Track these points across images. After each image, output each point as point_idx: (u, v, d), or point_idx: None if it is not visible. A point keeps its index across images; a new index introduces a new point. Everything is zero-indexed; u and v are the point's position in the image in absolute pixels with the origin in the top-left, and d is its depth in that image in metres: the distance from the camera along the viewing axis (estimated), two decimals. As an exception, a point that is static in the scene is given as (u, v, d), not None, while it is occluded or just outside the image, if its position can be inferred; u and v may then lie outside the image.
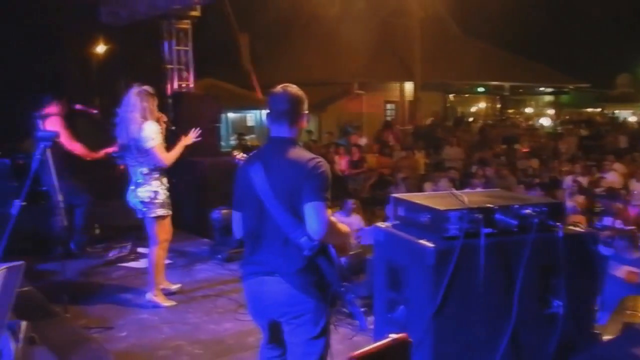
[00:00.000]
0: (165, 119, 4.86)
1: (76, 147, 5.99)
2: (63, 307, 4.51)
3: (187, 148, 4.94)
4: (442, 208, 2.60)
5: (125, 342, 4.22)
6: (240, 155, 4.10)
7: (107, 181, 7.35)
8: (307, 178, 2.49)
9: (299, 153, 2.59)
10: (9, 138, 7.15)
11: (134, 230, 6.79)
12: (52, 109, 5.91)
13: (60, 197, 4.71)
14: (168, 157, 4.67)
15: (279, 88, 2.69)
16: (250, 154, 2.80)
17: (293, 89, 2.69)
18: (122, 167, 4.97)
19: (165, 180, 4.76)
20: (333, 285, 2.57)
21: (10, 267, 1.48)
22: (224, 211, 6.32)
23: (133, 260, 6.26)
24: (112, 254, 6.33)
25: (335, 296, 2.63)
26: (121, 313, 4.78)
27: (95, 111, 6.43)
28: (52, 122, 5.80)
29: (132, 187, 4.69)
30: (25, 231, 5.89)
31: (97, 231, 7.07)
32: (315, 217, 2.46)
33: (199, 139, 4.99)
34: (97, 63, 15.06)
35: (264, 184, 2.55)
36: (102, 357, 3.54)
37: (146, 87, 4.71)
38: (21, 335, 2.55)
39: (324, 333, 2.63)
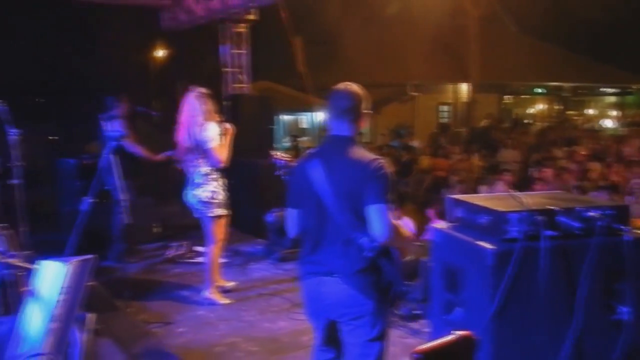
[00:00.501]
0: (220, 118, 4.96)
1: (137, 150, 6.19)
2: (124, 302, 4.68)
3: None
4: (501, 209, 2.54)
5: (183, 338, 4.34)
6: (279, 156, 4.14)
7: (164, 181, 7.58)
8: (369, 179, 2.47)
9: (361, 153, 2.57)
10: (75, 140, 7.48)
11: (190, 229, 6.97)
12: (116, 111, 6.13)
13: (123, 196, 4.87)
14: (223, 157, 4.76)
15: (341, 86, 2.67)
16: (309, 151, 2.79)
17: (355, 87, 2.67)
18: (180, 169, 5.08)
19: (223, 181, 4.87)
20: (395, 286, 2.54)
21: (82, 260, 1.55)
22: (279, 212, 6.39)
23: (189, 258, 6.43)
24: (170, 253, 6.51)
25: (396, 297, 2.60)
26: (179, 309, 4.92)
27: (155, 113, 6.62)
28: (116, 124, 6.02)
29: (190, 187, 4.82)
30: (87, 229, 6.13)
31: (156, 230, 7.28)
32: (380, 220, 2.44)
33: (229, 127, 4.96)
34: (155, 67, 15.51)
35: (324, 183, 2.53)
36: (162, 351, 3.66)
37: (202, 89, 4.84)
38: (87, 327, 2.65)
39: (383, 335, 2.60)
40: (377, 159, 2.54)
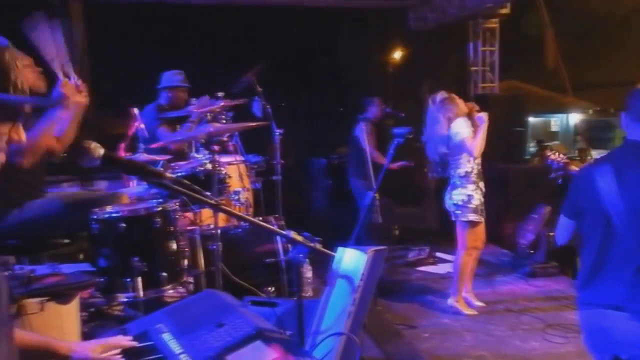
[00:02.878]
0: (476, 107, 4.99)
1: (375, 155, 6.45)
2: (373, 300, 4.99)
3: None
4: None
5: (429, 343, 4.47)
6: (555, 156, 3.93)
7: (406, 185, 7.86)
8: None
9: None
10: (326, 140, 8.20)
11: (429, 234, 7.13)
12: (369, 113, 6.54)
13: (376, 195, 5.17)
14: (475, 145, 4.74)
15: None
16: (597, 157, 2.64)
17: None
18: (431, 180, 5.21)
19: (482, 184, 4.91)
20: None
21: (378, 250, 1.74)
22: (534, 229, 6.23)
23: (431, 264, 6.59)
24: (411, 256, 6.74)
25: None
26: (422, 314, 5.10)
27: (402, 115, 6.90)
28: (361, 127, 6.42)
29: (448, 190, 4.96)
30: (332, 226, 6.68)
31: (396, 232, 7.59)
32: None
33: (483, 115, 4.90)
34: (396, 67, 16.04)
35: (616, 197, 2.29)
36: (416, 354, 3.82)
37: (440, 94, 4.95)
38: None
39: None
40: None
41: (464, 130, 4.77)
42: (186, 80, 5.47)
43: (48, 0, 7.56)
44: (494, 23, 8.67)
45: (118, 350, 1.68)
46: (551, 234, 6.07)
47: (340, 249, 1.85)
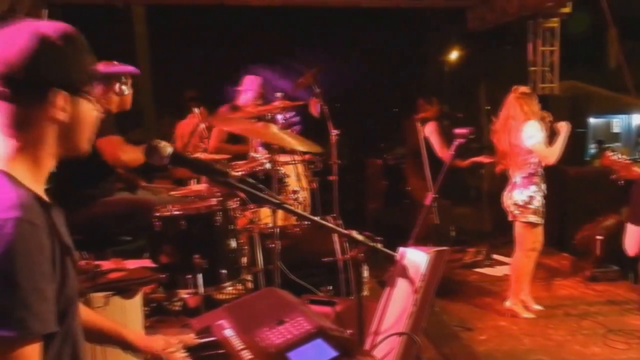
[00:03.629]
0: (549, 117, 4.84)
1: (444, 154, 6.33)
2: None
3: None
4: None
5: (485, 346, 4.37)
6: (615, 157, 3.79)
7: (462, 185, 7.71)
8: None
9: None
10: (381, 140, 8.14)
11: (489, 236, 6.97)
12: (428, 113, 6.46)
13: (434, 196, 5.09)
14: (551, 153, 4.62)
15: None
16: None
17: None
18: (498, 172, 5.07)
19: (544, 186, 4.76)
20: None
21: (439, 251, 1.71)
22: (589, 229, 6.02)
23: (488, 266, 6.44)
24: (468, 257, 6.61)
25: None
26: (479, 316, 4.99)
27: (460, 115, 6.78)
28: (429, 127, 6.33)
29: (509, 189, 4.82)
30: (387, 227, 6.63)
31: (453, 233, 7.45)
32: None
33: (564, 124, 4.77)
34: (453, 67, 15.80)
35: None
36: (472, 355, 3.75)
37: (522, 89, 4.80)
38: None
39: None
40: None
41: (539, 134, 4.63)
42: (264, 88, 5.62)
43: (112, 3, 7.81)
44: (554, 22, 8.37)
45: (181, 347, 1.70)
46: (599, 237, 5.83)
47: (401, 249, 1.82)
